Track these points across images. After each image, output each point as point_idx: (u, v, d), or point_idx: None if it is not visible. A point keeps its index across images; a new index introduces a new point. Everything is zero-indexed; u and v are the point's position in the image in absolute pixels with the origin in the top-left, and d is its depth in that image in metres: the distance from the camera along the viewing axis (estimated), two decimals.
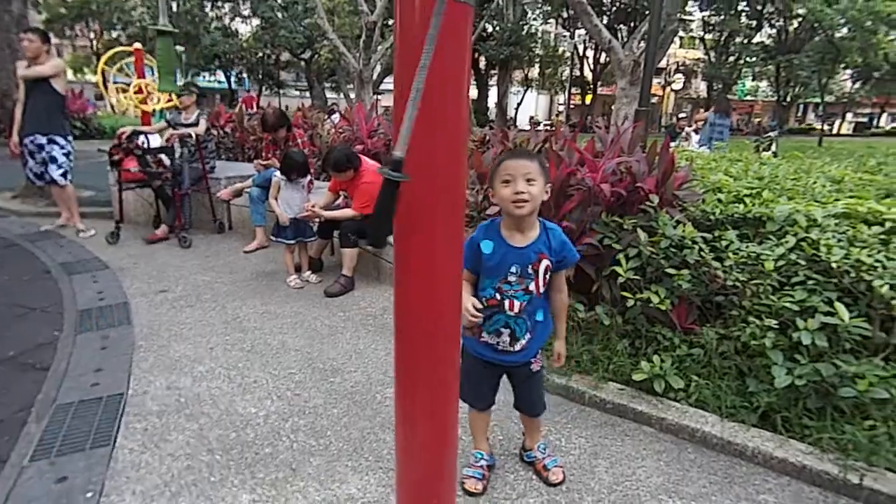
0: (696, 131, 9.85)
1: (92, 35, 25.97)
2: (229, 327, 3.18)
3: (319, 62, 19.42)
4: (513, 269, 1.70)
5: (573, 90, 36.31)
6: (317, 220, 3.98)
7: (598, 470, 2.05)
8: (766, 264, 2.34)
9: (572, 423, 2.34)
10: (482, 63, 26.78)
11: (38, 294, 3.56)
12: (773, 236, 2.59)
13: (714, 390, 2.36)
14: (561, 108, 40.98)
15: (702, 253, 2.53)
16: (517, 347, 1.79)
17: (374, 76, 12.70)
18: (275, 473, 1.96)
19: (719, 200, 2.99)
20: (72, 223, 5.15)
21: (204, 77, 21.59)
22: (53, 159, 4.84)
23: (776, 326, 2.24)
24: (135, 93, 7.70)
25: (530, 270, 1.70)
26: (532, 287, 1.72)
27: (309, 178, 4.01)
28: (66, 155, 4.95)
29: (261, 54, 19.22)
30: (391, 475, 1.97)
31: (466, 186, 1.23)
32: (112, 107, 11.54)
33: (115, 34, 22.78)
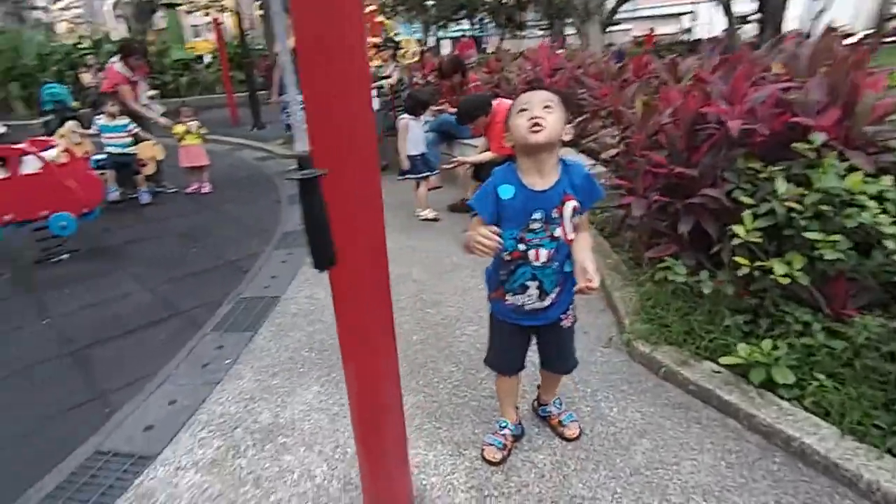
0: None
1: None
2: None
3: None
4: (536, 216, 1.53)
5: None
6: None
7: (635, 449, 1.84)
8: None
9: (637, 396, 2.10)
10: None
11: (269, 217, 4.73)
12: None
13: (845, 398, 1.79)
14: None
15: (873, 216, 1.85)
16: (546, 302, 1.64)
17: (605, 6, 11.53)
18: (342, 376, 2.35)
19: None
20: None
21: (450, 27, 22.79)
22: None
23: None
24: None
25: (555, 214, 1.53)
26: (558, 233, 1.55)
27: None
28: None
29: None
30: (430, 400, 2.15)
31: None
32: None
33: None
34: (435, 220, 4.35)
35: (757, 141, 2.29)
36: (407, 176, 4.34)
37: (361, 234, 1.24)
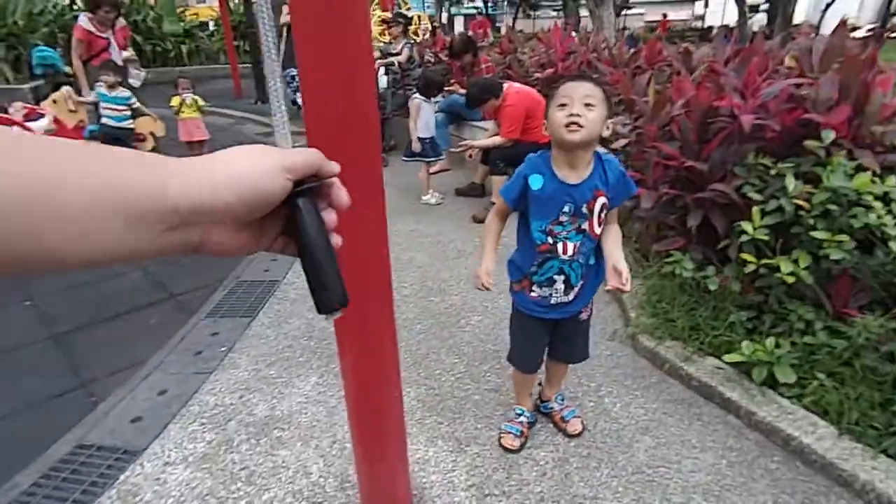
0: None
1: None
2: None
3: None
4: (565, 209, 1.50)
5: None
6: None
7: (637, 447, 1.84)
8: None
9: (641, 392, 2.10)
10: None
11: None
12: None
13: (844, 397, 1.79)
14: None
15: (879, 217, 1.83)
16: (571, 296, 1.63)
17: None
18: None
19: None
20: None
21: (463, 3, 22.36)
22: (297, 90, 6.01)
23: None
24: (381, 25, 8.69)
25: (585, 210, 1.50)
26: (586, 226, 1.52)
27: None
28: None
29: None
30: (431, 394, 2.14)
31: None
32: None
33: None
34: (438, 204, 4.29)
35: (768, 136, 2.24)
36: (414, 158, 4.27)
37: (361, 220, 1.17)
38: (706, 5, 27.47)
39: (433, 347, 2.43)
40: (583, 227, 1.52)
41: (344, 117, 1.07)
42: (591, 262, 1.62)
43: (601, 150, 1.63)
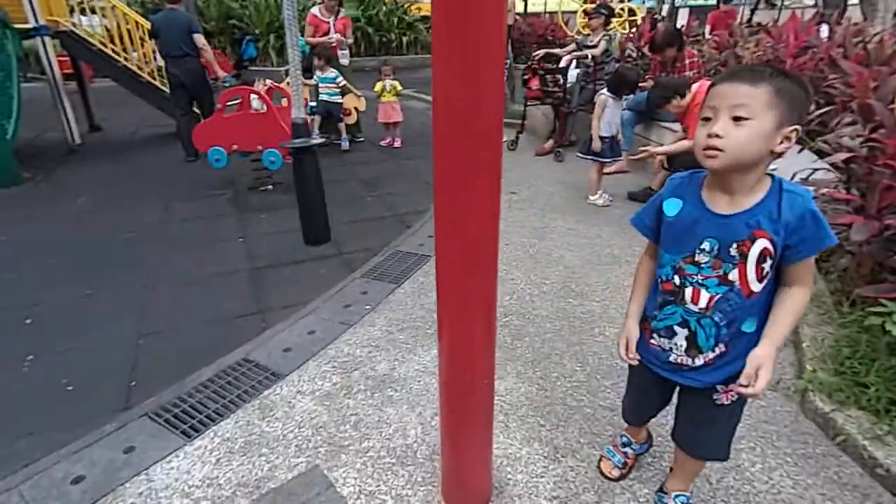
0: None
1: None
2: (534, 232, 3.60)
3: None
4: (705, 246, 1.16)
5: None
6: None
7: None
8: None
9: (795, 460, 1.71)
10: None
11: None
12: None
13: None
14: None
15: None
16: (699, 362, 1.25)
17: None
18: None
19: None
20: None
21: None
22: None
23: None
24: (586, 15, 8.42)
25: (733, 252, 1.13)
26: (734, 276, 1.14)
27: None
28: None
29: None
30: (542, 395, 2.05)
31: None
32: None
33: None
34: (605, 206, 4.05)
35: None
36: (588, 156, 4.07)
37: (473, 205, 1.15)
38: None
39: (557, 349, 2.32)
40: (729, 276, 1.15)
41: (467, 116, 1.05)
42: (749, 328, 1.18)
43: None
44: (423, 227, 3.73)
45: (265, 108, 4.42)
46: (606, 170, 4.68)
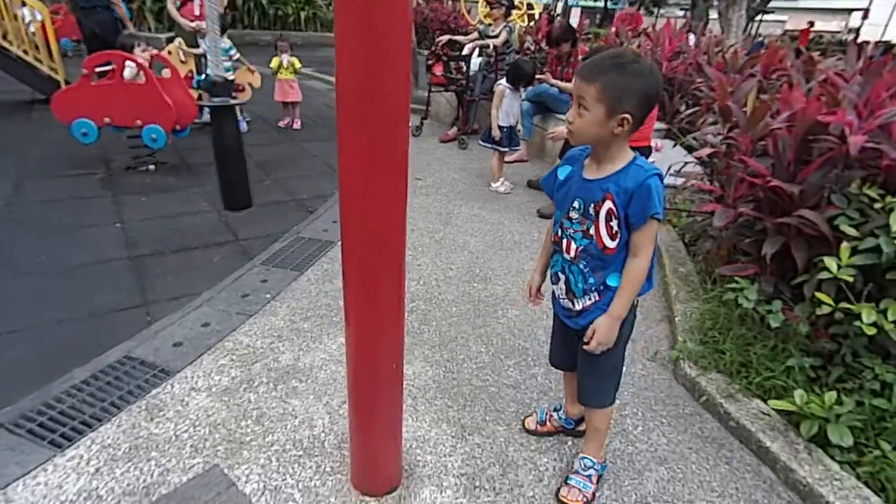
0: None
1: None
2: (438, 218, 3.64)
3: None
4: (575, 204, 1.39)
5: None
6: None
7: (648, 476, 1.69)
8: None
9: (669, 420, 1.93)
10: None
11: None
12: None
13: None
14: None
15: None
16: (578, 306, 1.45)
17: None
18: None
19: None
20: None
21: None
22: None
23: None
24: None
25: (591, 211, 1.35)
26: (592, 232, 1.35)
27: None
28: None
29: None
30: (449, 377, 2.11)
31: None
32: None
33: None
34: (507, 193, 4.21)
35: (883, 165, 1.94)
36: (489, 144, 4.20)
37: (378, 189, 1.16)
38: (865, 16, 23.75)
39: (463, 332, 2.39)
40: (590, 231, 1.36)
41: (370, 93, 1.05)
42: (611, 282, 1.38)
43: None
44: (326, 213, 3.63)
45: (143, 78, 3.98)
46: (507, 158, 4.86)
